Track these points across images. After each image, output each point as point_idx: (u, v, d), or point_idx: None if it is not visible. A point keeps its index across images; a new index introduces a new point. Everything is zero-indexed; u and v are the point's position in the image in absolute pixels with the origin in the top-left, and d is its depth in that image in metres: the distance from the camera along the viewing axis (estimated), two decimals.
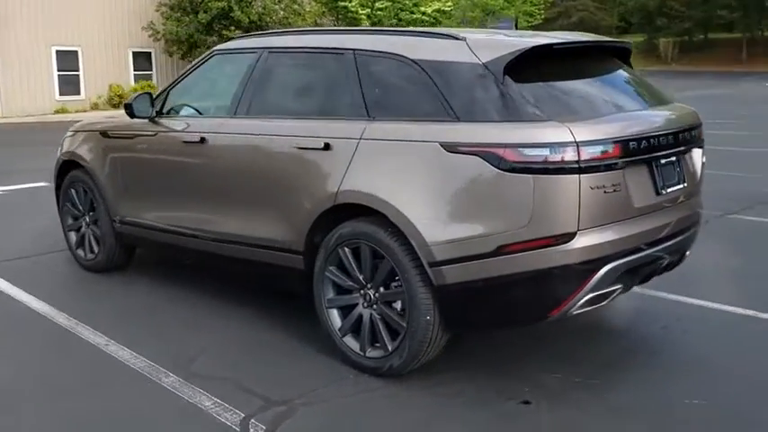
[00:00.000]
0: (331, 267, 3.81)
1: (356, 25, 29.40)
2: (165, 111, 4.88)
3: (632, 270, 3.44)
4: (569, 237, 3.15)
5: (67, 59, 25.09)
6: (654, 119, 3.56)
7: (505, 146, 3.16)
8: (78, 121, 5.93)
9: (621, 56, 4.04)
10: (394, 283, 3.61)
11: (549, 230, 3.14)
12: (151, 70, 27.69)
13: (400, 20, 30.81)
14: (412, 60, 3.60)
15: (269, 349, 4.11)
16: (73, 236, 5.75)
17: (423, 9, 31.25)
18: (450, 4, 32.43)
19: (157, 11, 25.99)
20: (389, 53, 3.72)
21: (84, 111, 24.44)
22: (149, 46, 26.87)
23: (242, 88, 4.35)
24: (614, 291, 3.43)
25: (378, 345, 3.70)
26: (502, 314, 3.43)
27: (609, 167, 3.20)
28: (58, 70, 24.82)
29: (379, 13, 29.56)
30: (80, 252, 5.67)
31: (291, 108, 4.21)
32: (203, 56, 4.80)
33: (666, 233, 3.58)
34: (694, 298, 4.75)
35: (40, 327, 4.51)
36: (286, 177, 3.95)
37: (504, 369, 3.80)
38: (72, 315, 4.64)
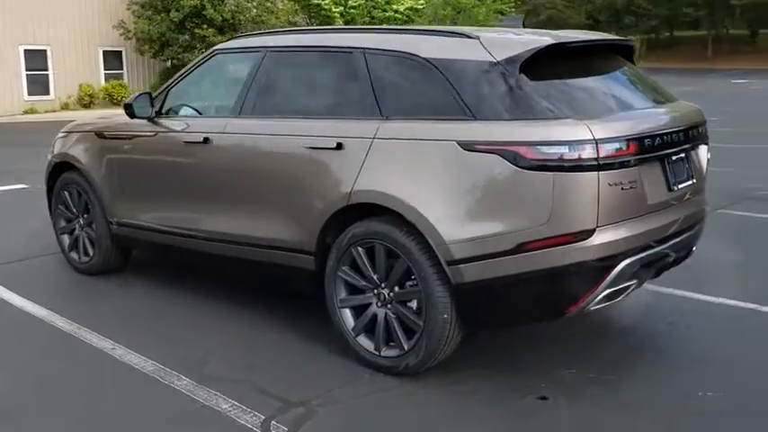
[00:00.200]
0: (344, 267, 3.80)
1: (329, 23, 29.33)
2: (163, 111, 4.82)
3: (646, 265, 3.48)
4: (588, 233, 3.18)
5: (36, 59, 24.65)
6: (664, 116, 3.61)
7: (525, 144, 3.18)
8: (71, 121, 5.84)
9: (625, 54, 4.09)
10: (409, 282, 3.61)
11: (569, 227, 3.17)
12: (122, 69, 27.34)
13: (373, 18, 30.75)
14: (424, 59, 3.60)
15: (279, 350, 4.09)
16: (66, 239, 5.66)
17: (395, 7, 31.25)
18: (422, 2, 32.46)
19: (128, 9, 25.62)
20: (401, 52, 3.72)
21: (54, 111, 24.06)
22: (120, 45, 26.50)
23: (246, 88, 4.31)
24: (630, 286, 3.47)
25: (392, 344, 3.70)
26: (520, 311, 3.46)
27: (626, 164, 3.24)
28: (27, 70, 24.38)
29: (352, 11, 29.48)
30: (74, 255, 5.58)
31: (300, 108, 4.19)
32: (203, 55, 4.74)
33: (677, 229, 3.64)
34: (694, 292, 4.82)
35: (41, 332, 4.43)
36: (296, 177, 3.93)
37: (517, 366, 3.83)
38: (72, 319, 4.57)
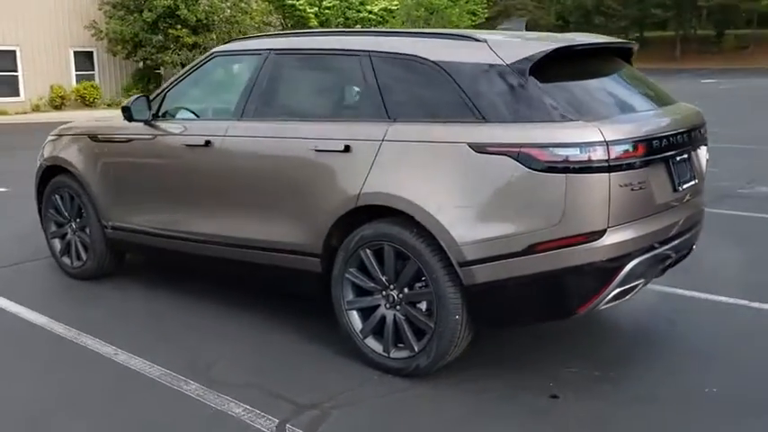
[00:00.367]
0: (351, 269, 3.81)
1: (304, 24, 29.28)
2: (160, 114, 4.78)
3: (653, 264, 3.54)
4: (600, 234, 3.23)
5: (5, 59, 24.25)
6: (669, 118, 3.67)
7: (537, 146, 3.22)
8: (65, 124, 5.74)
9: (624, 56, 4.15)
10: (419, 284, 3.63)
11: (581, 228, 3.21)
12: (93, 70, 26.99)
13: (347, 18, 30.78)
14: (432, 62, 3.62)
15: (284, 352, 4.08)
16: (57, 243, 5.58)
17: (369, 8, 31.30)
18: (396, 3, 32.54)
19: (100, 9, 25.34)
20: (408, 55, 3.74)
21: (25, 113, 23.69)
22: (91, 45, 26.17)
23: (248, 90, 4.30)
24: (638, 285, 3.53)
25: (401, 345, 3.72)
26: (531, 311, 3.49)
27: (635, 166, 3.29)
28: None
29: (326, 11, 29.45)
30: (66, 260, 5.51)
31: (305, 110, 4.19)
32: (202, 58, 4.71)
33: (680, 228, 3.70)
34: (690, 290, 4.90)
35: (39, 338, 4.37)
36: (303, 180, 3.92)
37: (521, 364, 3.87)
38: (70, 324, 4.51)
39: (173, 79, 4.82)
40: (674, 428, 3.25)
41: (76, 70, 26.41)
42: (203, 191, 4.40)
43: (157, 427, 3.32)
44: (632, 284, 3.47)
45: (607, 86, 3.77)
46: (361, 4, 31.25)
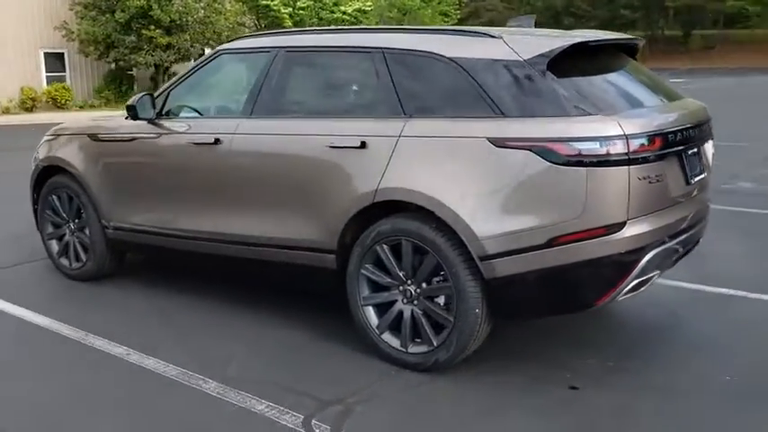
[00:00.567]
0: (367, 265, 3.82)
1: (279, 24, 29.17)
2: (164, 112, 4.75)
3: (667, 256, 3.61)
4: (620, 226, 3.28)
5: None
6: (681, 112, 3.74)
7: (558, 140, 3.26)
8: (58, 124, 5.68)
9: (629, 52, 4.22)
10: (436, 279, 3.65)
11: (601, 221, 3.27)
12: (64, 72, 26.56)
13: (321, 19, 30.75)
14: (449, 59, 3.65)
15: (298, 349, 4.08)
16: (54, 245, 5.51)
17: (343, 9, 31.30)
18: (369, 3, 32.58)
19: (71, 10, 24.93)
20: (423, 51, 3.76)
21: None
22: (62, 46, 25.75)
23: (257, 88, 4.28)
24: (653, 276, 3.60)
25: (418, 340, 3.74)
26: (551, 303, 3.54)
27: (653, 159, 3.35)
28: None
29: (301, 12, 29.37)
30: (64, 261, 5.44)
31: (318, 107, 4.20)
32: (207, 56, 4.68)
33: (690, 222, 3.77)
34: (689, 282, 4.99)
35: (47, 340, 4.30)
36: (317, 177, 3.93)
37: (537, 357, 3.92)
38: (76, 326, 4.46)
39: (177, 77, 4.79)
40: (696, 417, 3.31)
41: (47, 72, 25.97)
42: (212, 189, 4.38)
43: (184, 426, 3.30)
44: (648, 276, 3.53)
45: (618, 81, 3.83)
46: (335, 4, 31.25)
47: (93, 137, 5.10)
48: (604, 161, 3.23)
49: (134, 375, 3.80)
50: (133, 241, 5.00)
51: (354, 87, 4.13)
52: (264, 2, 28.47)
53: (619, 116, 3.33)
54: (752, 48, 48.40)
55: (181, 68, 28.28)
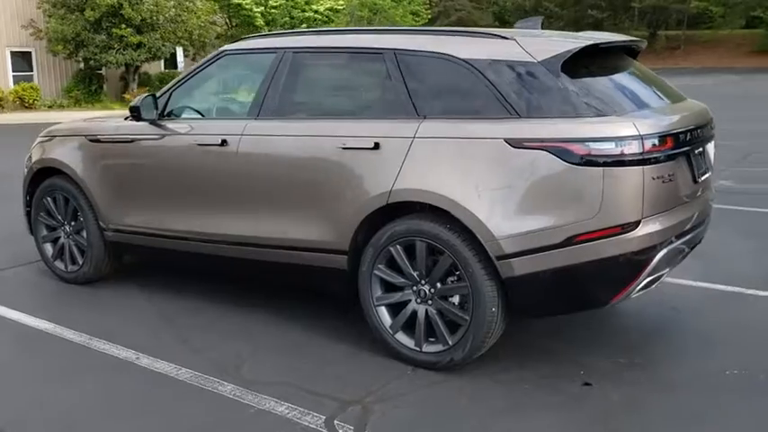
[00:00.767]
0: (380, 265, 3.84)
1: (250, 23, 28.99)
2: (165, 113, 4.71)
3: (677, 254, 3.69)
4: (635, 225, 3.35)
5: None
6: (687, 113, 3.82)
7: (575, 140, 3.31)
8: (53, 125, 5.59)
9: (632, 54, 4.30)
10: (451, 278, 3.68)
11: (618, 220, 3.33)
12: (32, 71, 26.16)
13: (293, 18, 30.62)
14: (462, 60, 3.68)
15: (309, 350, 4.08)
16: (49, 247, 5.43)
17: (315, 7, 31.20)
18: (341, 2, 32.53)
19: (39, 8, 24.54)
20: (435, 53, 3.79)
21: None
22: (29, 45, 25.38)
23: (264, 89, 4.27)
24: (664, 274, 3.68)
25: (432, 339, 3.77)
26: (567, 301, 3.59)
27: (666, 159, 3.42)
28: None
29: (273, 11, 29.21)
30: (59, 264, 5.36)
31: (329, 108, 4.20)
32: (210, 56, 4.65)
33: (698, 219, 3.86)
34: (686, 279, 5.09)
35: (51, 345, 4.24)
36: (329, 178, 3.93)
37: (547, 354, 3.97)
38: (79, 329, 4.41)
39: (179, 78, 4.74)
40: (707, 411, 3.38)
41: (13, 71, 25.56)
42: (219, 190, 4.35)
43: (205, 429, 3.28)
44: (660, 273, 3.61)
45: (625, 82, 3.89)
46: (307, 3, 31.13)
47: (92, 138, 5.03)
48: (620, 161, 3.29)
49: (147, 379, 3.77)
50: (133, 243, 4.95)
51: (366, 88, 4.13)
52: (236, 0, 28.23)
53: (633, 117, 3.40)
54: (715, 47, 49.42)
55: (151, 68, 28.03)
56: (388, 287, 3.88)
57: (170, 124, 4.64)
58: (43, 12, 24.50)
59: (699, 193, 3.88)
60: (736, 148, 11.57)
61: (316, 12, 31.29)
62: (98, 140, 4.99)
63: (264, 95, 4.26)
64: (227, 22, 30.55)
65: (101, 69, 26.50)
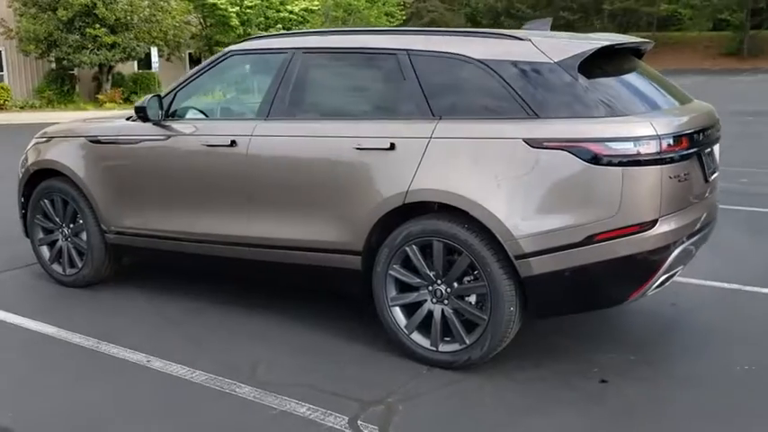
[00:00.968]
0: (395, 266, 3.84)
1: (225, 23, 28.79)
2: (170, 114, 4.66)
3: (689, 252, 3.75)
4: (653, 223, 3.40)
5: None
6: (698, 113, 3.88)
7: (594, 140, 3.35)
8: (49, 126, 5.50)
9: (639, 55, 4.37)
10: (467, 278, 3.70)
11: (637, 219, 3.37)
12: (2, 71, 25.66)
13: (267, 18, 30.48)
14: (478, 60, 3.71)
15: (322, 351, 4.07)
16: (46, 250, 5.34)
17: (290, 8, 31.10)
18: (316, 3, 32.47)
19: (9, 7, 24.10)
20: (450, 53, 3.80)
21: None
22: None
23: (273, 89, 4.25)
24: (677, 272, 3.73)
25: (448, 339, 3.78)
26: (585, 299, 3.64)
27: (681, 158, 3.48)
28: None
29: (248, 11, 29.04)
30: (57, 267, 5.28)
31: (341, 109, 4.19)
32: (216, 57, 4.61)
33: (706, 220, 3.92)
34: (682, 276, 5.16)
35: (58, 349, 4.17)
36: (343, 178, 3.93)
37: (560, 353, 4.01)
38: (85, 333, 4.34)
39: (183, 78, 4.69)
40: (724, 404, 3.44)
41: None
42: (228, 191, 4.32)
43: (230, 430, 3.26)
44: (674, 271, 3.67)
45: (636, 83, 3.94)
46: (282, 3, 31.02)
47: (93, 139, 4.96)
48: (639, 161, 3.34)
49: (163, 383, 3.73)
50: (135, 246, 4.90)
51: (379, 89, 4.12)
52: (211, 0, 28.02)
53: (650, 117, 3.45)
54: (683, 49, 50.20)
55: (125, 68, 27.69)
56: (403, 287, 3.88)
57: (176, 125, 4.59)
58: (14, 11, 24.06)
59: (707, 194, 3.94)
60: None
61: (290, 12, 31.18)
62: (99, 141, 4.93)
63: (274, 96, 4.24)
64: (201, 23, 30.30)
65: (73, 70, 26.11)
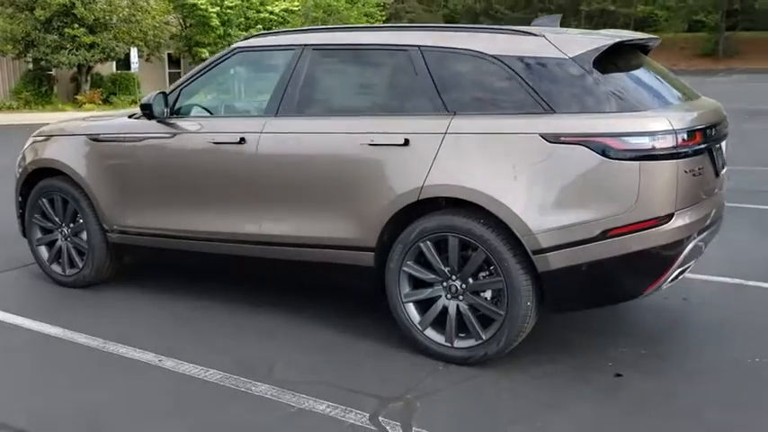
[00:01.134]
0: (409, 262, 3.84)
1: (206, 24, 28.61)
2: (174, 111, 4.61)
3: (700, 247, 3.78)
4: (669, 218, 3.43)
5: None
6: (708, 109, 3.92)
7: (612, 135, 3.37)
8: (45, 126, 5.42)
9: (645, 51, 4.40)
10: (482, 273, 3.71)
11: (653, 213, 3.40)
12: None
13: (248, 18, 30.36)
14: (492, 56, 3.71)
15: (338, 349, 4.05)
16: (44, 250, 5.26)
17: (270, 8, 31.01)
18: (296, 3, 32.41)
19: None
20: (464, 49, 3.81)
21: None
22: None
23: (282, 86, 4.23)
24: (689, 266, 3.76)
25: (463, 335, 3.79)
26: (601, 294, 3.65)
27: (694, 153, 3.51)
28: None
29: (228, 11, 28.88)
30: (56, 268, 5.20)
31: (353, 106, 4.18)
32: (221, 54, 4.57)
33: (715, 216, 3.96)
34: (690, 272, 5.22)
35: (68, 351, 4.09)
36: (356, 175, 3.91)
37: (572, 348, 4.02)
38: (90, 333, 4.29)
39: (189, 75, 4.65)
40: (743, 398, 3.47)
41: None
42: (237, 189, 4.29)
43: (250, 429, 3.23)
44: (688, 264, 3.70)
45: (647, 79, 3.96)
46: (262, 4, 30.92)
47: (94, 137, 4.90)
48: (656, 155, 3.36)
49: (176, 381, 3.69)
50: (138, 245, 4.84)
51: (391, 85, 4.11)
52: (191, 1, 27.83)
53: (665, 112, 3.48)
54: (659, 50, 50.31)
55: (104, 69, 27.38)
56: (417, 283, 3.88)
57: (181, 122, 4.55)
58: None
59: (717, 190, 3.98)
60: None
61: (271, 13, 31.10)
62: (101, 140, 4.86)
63: (283, 93, 4.21)
64: (181, 23, 30.08)
65: (51, 70, 25.79)
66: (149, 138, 4.63)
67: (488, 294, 3.73)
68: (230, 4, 28.85)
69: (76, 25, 23.29)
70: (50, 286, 5.21)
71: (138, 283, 5.21)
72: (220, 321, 4.49)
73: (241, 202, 4.29)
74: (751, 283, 5.09)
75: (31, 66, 25.74)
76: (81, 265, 5.08)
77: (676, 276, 3.69)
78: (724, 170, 4.03)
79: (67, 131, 5.13)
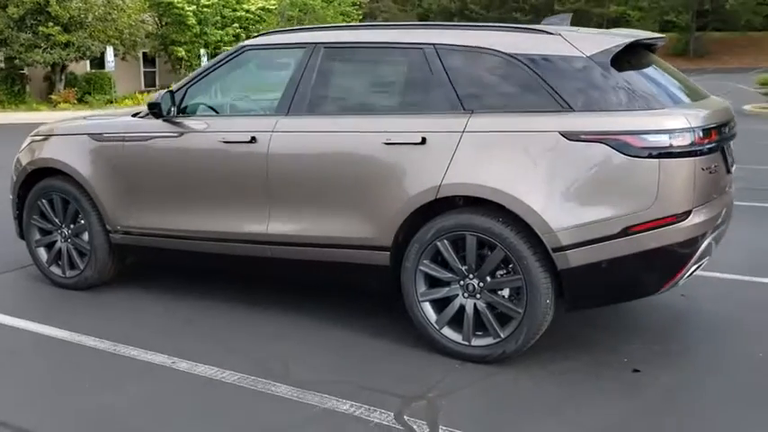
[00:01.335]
0: (425, 261, 3.83)
1: (182, 22, 28.36)
2: (181, 110, 4.56)
3: (710, 245, 3.83)
4: (687, 214, 3.47)
5: None
6: (719, 107, 3.96)
7: (631, 133, 3.40)
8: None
9: (652, 51, 4.44)
10: (500, 271, 3.72)
11: (672, 210, 3.43)
12: None
13: (224, 17, 30.16)
14: (508, 55, 3.72)
15: (355, 349, 4.03)
16: (43, 252, 5.17)
17: (246, 7, 30.84)
18: (273, 2, 32.27)
19: None
20: (480, 48, 3.81)
21: None
22: None
23: (293, 85, 4.20)
24: (704, 263, 3.81)
25: (480, 333, 3.79)
26: (620, 290, 3.68)
27: (709, 150, 3.55)
28: None
29: (205, 9, 28.65)
30: (56, 269, 5.11)
31: (367, 104, 4.16)
32: (230, 52, 4.52)
33: (726, 214, 4.00)
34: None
35: (79, 355, 4.02)
36: (371, 174, 3.89)
37: (586, 344, 4.05)
38: (98, 336, 4.22)
39: (195, 74, 4.59)
40: (756, 392, 3.52)
41: None
42: (248, 188, 4.25)
43: (277, 429, 3.20)
44: (704, 260, 3.75)
45: (659, 77, 4.00)
46: (238, 2, 30.75)
47: (97, 137, 4.82)
48: (674, 153, 3.40)
49: (193, 383, 3.65)
50: (142, 245, 4.77)
51: (406, 84, 4.10)
52: None
53: (683, 110, 3.52)
54: None
55: (78, 68, 26.99)
56: (433, 282, 3.88)
57: (189, 121, 4.50)
58: None
59: (728, 188, 4.04)
60: None
61: (247, 11, 30.96)
62: (105, 139, 4.79)
63: (295, 91, 4.18)
64: (157, 21, 29.78)
65: (23, 69, 25.37)
66: (156, 137, 4.56)
67: (506, 292, 3.74)
68: (206, 3, 28.65)
69: (51, 23, 22.95)
70: (50, 288, 5.12)
71: (141, 284, 5.14)
72: (228, 321, 4.45)
73: (252, 202, 4.25)
74: (758, 279, 5.14)
75: (3, 65, 25.29)
76: (82, 267, 5.00)
77: (694, 271, 3.74)
78: (734, 167, 4.08)
79: (68, 131, 5.05)
